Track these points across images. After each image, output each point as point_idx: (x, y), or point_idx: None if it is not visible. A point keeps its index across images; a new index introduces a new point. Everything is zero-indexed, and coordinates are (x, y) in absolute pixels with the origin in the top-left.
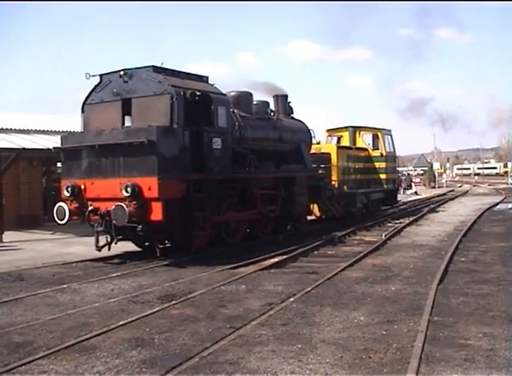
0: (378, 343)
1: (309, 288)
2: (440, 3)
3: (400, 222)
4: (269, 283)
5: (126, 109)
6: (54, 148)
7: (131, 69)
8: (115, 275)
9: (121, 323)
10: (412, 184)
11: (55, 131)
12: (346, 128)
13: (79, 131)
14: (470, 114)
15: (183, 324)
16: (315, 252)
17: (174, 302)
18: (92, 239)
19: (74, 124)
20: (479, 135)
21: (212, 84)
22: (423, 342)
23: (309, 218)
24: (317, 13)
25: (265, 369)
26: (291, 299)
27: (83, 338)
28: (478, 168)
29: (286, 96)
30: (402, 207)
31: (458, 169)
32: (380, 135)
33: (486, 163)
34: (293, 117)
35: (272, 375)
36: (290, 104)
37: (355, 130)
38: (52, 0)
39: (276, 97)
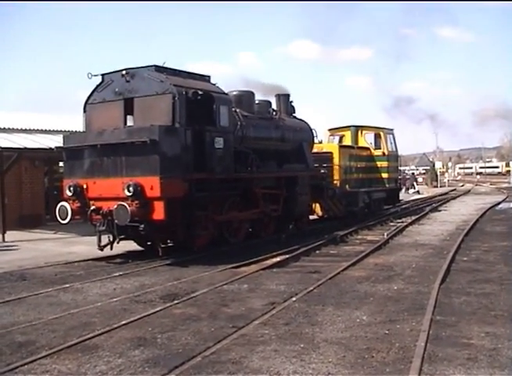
0: (380, 342)
1: (311, 288)
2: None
3: (402, 222)
4: (271, 283)
5: (128, 108)
6: (56, 147)
7: (133, 68)
8: (117, 274)
9: (124, 322)
10: (414, 183)
11: (57, 131)
12: (348, 127)
13: (81, 130)
14: (458, 114)
15: (185, 324)
16: (317, 251)
17: (176, 302)
18: (94, 238)
19: (76, 123)
20: (463, 135)
21: (214, 84)
22: (426, 342)
23: (311, 217)
24: (304, 13)
25: (267, 368)
26: (293, 299)
27: (85, 337)
28: (480, 168)
29: (288, 96)
30: (404, 206)
31: (460, 168)
32: (382, 134)
33: (488, 162)
34: (295, 117)
35: (275, 375)
36: (292, 103)
37: (357, 129)
38: (52, 0)
39: (278, 96)
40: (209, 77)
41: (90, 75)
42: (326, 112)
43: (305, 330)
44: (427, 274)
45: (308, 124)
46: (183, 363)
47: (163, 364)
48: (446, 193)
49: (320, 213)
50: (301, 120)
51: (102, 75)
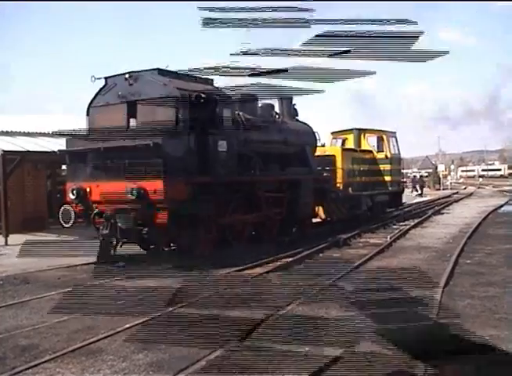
0: None
1: (315, 291)
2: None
3: (405, 224)
4: (275, 286)
5: (131, 111)
6: (59, 151)
7: (136, 72)
8: (120, 277)
9: (127, 326)
10: (417, 186)
11: (60, 134)
12: (351, 130)
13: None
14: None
15: (190, 327)
16: (321, 255)
17: (180, 305)
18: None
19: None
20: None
21: (217, 87)
22: None
23: (314, 220)
24: None
25: (272, 372)
26: (297, 302)
27: (89, 341)
28: (483, 170)
29: (291, 98)
30: (406, 209)
31: (462, 171)
32: (384, 137)
33: (490, 165)
34: (297, 120)
35: None
36: (295, 106)
37: (360, 132)
38: (53, 0)
39: (281, 99)
40: (212, 80)
41: (93, 78)
42: (327, 113)
43: (310, 334)
44: (431, 277)
45: (310, 128)
46: (187, 367)
47: (167, 368)
48: (449, 196)
49: (323, 216)
50: (303, 123)
51: (106, 78)
